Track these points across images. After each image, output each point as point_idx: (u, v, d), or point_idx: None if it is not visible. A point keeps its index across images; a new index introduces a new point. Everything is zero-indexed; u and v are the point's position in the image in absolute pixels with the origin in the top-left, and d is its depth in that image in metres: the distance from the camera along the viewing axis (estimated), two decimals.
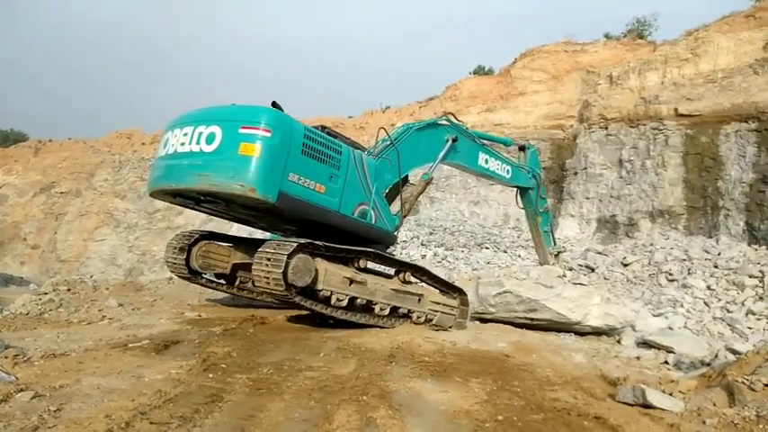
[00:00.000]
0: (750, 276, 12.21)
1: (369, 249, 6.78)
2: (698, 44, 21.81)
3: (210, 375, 4.37)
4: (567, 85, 26.76)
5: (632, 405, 4.33)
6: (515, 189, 11.52)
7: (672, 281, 13.49)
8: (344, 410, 3.69)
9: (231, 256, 7.66)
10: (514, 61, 29.52)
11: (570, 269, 14.46)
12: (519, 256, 19.30)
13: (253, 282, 7.29)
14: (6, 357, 4.28)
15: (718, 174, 19.41)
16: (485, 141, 10.10)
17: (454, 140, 8.70)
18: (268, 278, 5.68)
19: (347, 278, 6.41)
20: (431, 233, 22.75)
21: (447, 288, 7.83)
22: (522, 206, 11.78)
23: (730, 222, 18.57)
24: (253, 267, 5.89)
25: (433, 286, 7.66)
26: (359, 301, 6.54)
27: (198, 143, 5.83)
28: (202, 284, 7.79)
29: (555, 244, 12.76)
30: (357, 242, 6.75)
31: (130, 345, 5.23)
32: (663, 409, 4.10)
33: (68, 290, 9.09)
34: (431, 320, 7.41)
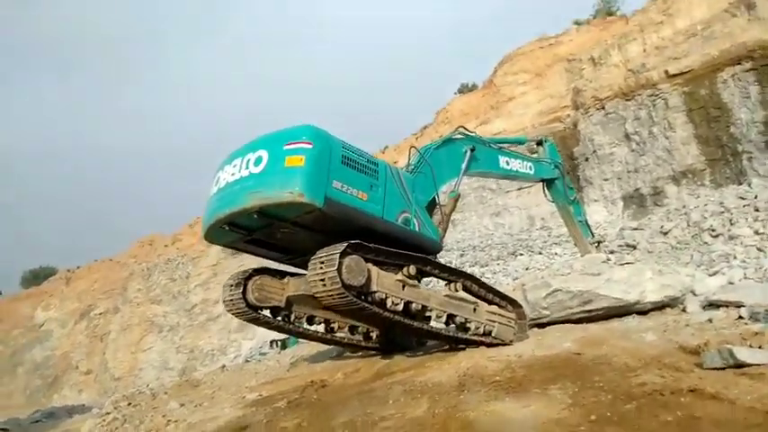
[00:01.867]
0: None
1: (419, 255, 6.77)
2: (668, 4, 21.92)
3: None
4: (552, 79, 26.91)
5: (723, 369, 4.10)
6: (541, 185, 11.49)
7: (717, 236, 13.07)
8: None
9: (285, 288, 7.57)
10: (495, 70, 29.87)
11: (611, 252, 14.11)
12: (555, 254, 18.97)
13: (306, 318, 7.60)
14: None
15: (728, 121, 19.10)
16: (501, 145, 10.14)
17: (472, 150, 8.74)
18: (324, 279, 5.74)
19: (399, 281, 6.41)
20: (461, 255, 22.55)
21: (501, 299, 7.62)
22: (551, 199, 11.65)
23: (756, 164, 18.14)
24: (307, 275, 5.97)
25: (487, 298, 7.47)
26: (414, 306, 6.44)
27: (247, 168, 6.11)
28: (259, 322, 7.60)
29: (593, 235, 12.49)
30: (403, 249, 6.74)
31: None
32: (758, 365, 3.87)
33: (129, 404, 9.05)
34: (490, 332, 7.18)
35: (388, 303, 6.22)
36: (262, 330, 33.41)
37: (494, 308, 7.40)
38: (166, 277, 39.35)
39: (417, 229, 7.08)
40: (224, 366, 10.61)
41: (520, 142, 11.81)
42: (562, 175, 11.50)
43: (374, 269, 6.20)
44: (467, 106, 30.44)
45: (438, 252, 7.62)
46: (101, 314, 41.81)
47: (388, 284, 6.29)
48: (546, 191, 11.47)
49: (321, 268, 5.82)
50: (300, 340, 17.62)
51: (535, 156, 11.26)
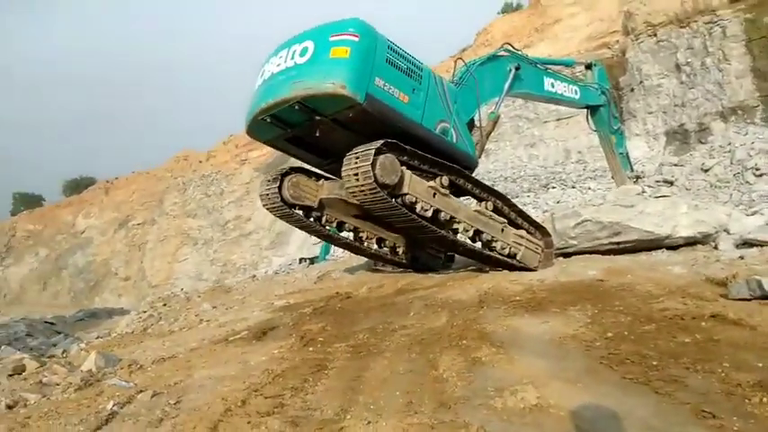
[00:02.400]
0: None
1: (454, 166, 6.80)
2: None
3: (311, 349, 4.46)
4: (603, 1, 25.19)
5: (749, 299, 4.04)
6: (582, 114, 11.26)
7: (760, 176, 12.54)
8: (447, 356, 3.66)
9: (319, 190, 7.77)
10: None
11: (648, 187, 13.74)
12: (589, 188, 18.56)
13: (337, 224, 7.77)
14: (122, 368, 4.55)
15: None
16: (547, 66, 9.79)
17: (517, 69, 8.50)
18: (357, 174, 5.85)
19: (431, 188, 6.49)
20: (492, 186, 22.30)
21: (530, 224, 7.65)
22: (594, 128, 11.37)
23: None
24: (342, 170, 6.06)
25: (516, 222, 7.50)
26: (443, 215, 6.53)
27: (292, 59, 6.13)
28: (291, 219, 7.78)
29: (632, 169, 12.13)
30: (442, 160, 6.80)
31: (231, 338, 5.43)
32: None
33: (164, 305, 9.60)
34: (515, 255, 7.25)
35: (418, 208, 6.30)
36: (293, 248, 34.17)
37: (522, 232, 7.45)
38: (201, 192, 40.32)
39: (455, 140, 7.05)
40: (254, 276, 11.02)
41: (567, 64, 11.50)
42: (608, 102, 11.14)
43: (407, 172, 6.26)
44: (510, 28, 28.99)
45: (473, 168, 7.57)
46: (139, 225, 43.47)
47: (419, 189, 6.36)
48: (589, 119, 11.20)
49: (356, 163, 5.90)
50: (328, 257, 18.14)
51: (582, 80, 10.88)
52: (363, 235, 8.08)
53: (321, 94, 5.81)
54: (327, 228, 7.97)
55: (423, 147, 6.55)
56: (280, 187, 7.46)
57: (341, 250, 18.99)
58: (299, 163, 7.84)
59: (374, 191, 5.86)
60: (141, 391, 3.73)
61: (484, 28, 30.76)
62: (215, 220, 38.79)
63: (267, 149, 40.06)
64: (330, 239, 8.36)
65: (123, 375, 4.36)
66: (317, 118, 6.20)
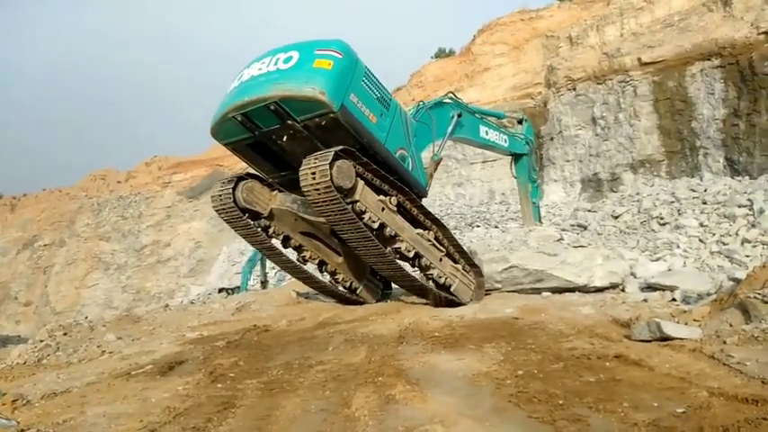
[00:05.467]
0: (739, 206, 12.27)
1: (405, 188, 7.12)
2: None
3: (219, 385, 4.23)
4: (529, 54, 26.82)
5: (650, 341, 4.27)
6: (507, 160, 12.40)
7: (664, 224, 13.51)
8: (362, 393, 3.58)
9: (272, 200, 7.81)
10: (473, 38, 29.55)
11: (563, 230, 14.45)
12: (510, 228, 19.28)
13: (283, 237, 7.82)
14: (4, 404, 4.11)
15: (691, 115, 19.54)
16: (483, 116, 10.71)
17: (459, 116, 9.19)
18: (315, 173, 6.04)
19: (381, 202, 6.76)
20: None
21: (466, 261, 7.91)
22: (515, 175, 12.44)
23: (710, 160, 18.73)
24: (300, 169, 6.22)
25: (454, 256, 7.75)
26: (387, 230, 6.75)
27: (275, 65, 6.46)
28: (239, 223, 7.65)
29: (541, 221, 13.27)
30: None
31: (133, 372, 5.07)
32: (681, 338, 4.04)
33: (65, 333, 8.81)
34: (450, 287, 7.44)
35: (366, 217, 6.50)
36: (213, 277, 32.84)
37: (458, 266, 7.74)
38: (117, 214, 38.23)
39: (410, 168, 7.48)
40: (167, 306, 10.44)
41: (499, 116, 12.57)
42: (531, 153, 12.38)
43: (360, 182, 6.52)
44: (442, 72, 30.11)
45: (423, 197, 7.95)
46: (45, 246, 40.40)
47: (370, 200, 6.61)
48: (513, 165, 12.27)
49: (314, 162, 6.11)
50: (250, 287, 17.59)
51: (511, 130, 11.98)
52: (306, 254, 8.05)
53: (300, 96, 6.09)
54: (274, 238, 7.97)
55: (381, 165, 6.86)
56: (234, 190, 7.46)
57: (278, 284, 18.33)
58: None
59: (328, 190, 6.04)
60: (23, 431, 3.38)
61: (418, 70, 31.79)
62: (130, 244, 36.78)
63: (192, 173, 38.84)
64: (272, 253, 8.22)
65: (5, 412, 3.93)
66: (289, 122, 6.40)
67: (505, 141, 11.16)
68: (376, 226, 6.60)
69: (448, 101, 9.31)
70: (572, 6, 27.09)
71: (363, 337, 5.62)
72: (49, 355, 7.26)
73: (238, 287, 20.54)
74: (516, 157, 12.15)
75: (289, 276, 9.53)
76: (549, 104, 24.60)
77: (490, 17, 31.83)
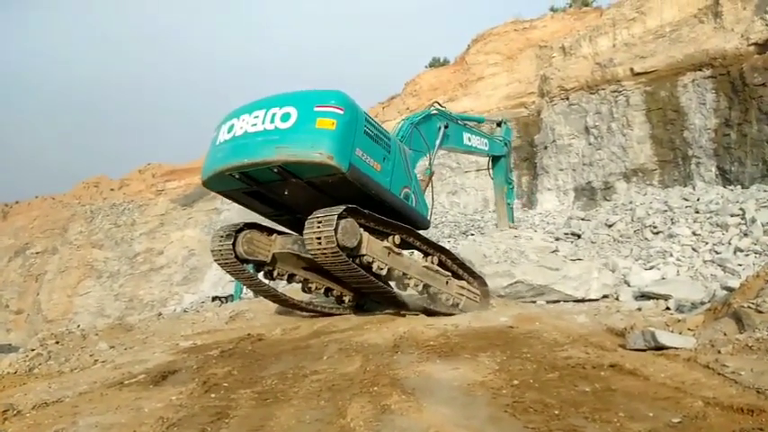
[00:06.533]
0: (732, 215, 12.38)
1: (404, 225, 7.18)
2: (642, 2, 22.21)
3: (213, 395, 4.19)
4: (523, 63, 27.02)
5: (644, 350, 4.29)
6: (489, 160, 12.78)
7: (657, 233, 13.61)
8: (357, 403, 3.56)
9: (272, 245, 7.77)
10: (468, 48, 29.74)
11: (557, 239, 14.51)
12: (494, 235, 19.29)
13: (288, 276, 7.80)
14: None
15: (683, 125, 19.72)
16: (465, 122, 11.01)
17: (446, 127, 9.39)
18: (320, 238, 6.00)
19: (386, 248, 6.80)
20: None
21: (470, 275, 8.08)
22: (492, 176, 13.03)
23: (702, 169, 18.88)
24: (305, 233, 6.18)
25: (458, 273, 7.89)
26: (396, 272, 6.84)
27: (272, 122, 6.22)
28: (242, 275, 7.73)
29: (513, 221, 13.68)
30: (399, 221, 7.17)
31: (126, 381, 5.01)
32: (676, 348, 4.05)
33: (57, 342, 8.72)
34: (458, 305, 7.60)
35: (374, 267, 6.55)
36: (207, 285, 32.71)
37: (463, 282, 7.90)
38: (110, 222, 38.06)
39: (414, 204, 7.54)
40: (160, 314, 10.38)
41: (479, 121, 12.97)
42: (508, 154, 12.95)
43: (365, 234, 6.50)
44: (436, 81, 30.26)
45: (426, 228, 8.03)
46: (38, 253, 40.14)
47: (376, 249, 6.62)
48: (490, 166, 12.82)
49: (318, 227, 6.03)
50: (243, 296, 17.50)
51: (488, 134, 12.40)
52: (312, 285, 8.08)
53: (308, 162, 5.99)
54: (277, 280, 8.06)
55: (387, 210, 6.92)
56: (234, 243, 7.40)
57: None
58: (251, 216, 7.86)
59: (336, 254, 6.03)
60: None
61: (413, 79, 31.94)
62: (123, 252, 36.60)
63: (185, 180, 38.74)
64: (276, 300, 8.30)
65: None
66: (292, 180, 6.33)
67: (486, 145, 11.61)
68: (384, 272, 6.70)
69: (434, 112, 9.42)
70: (565, 17, 27.35)
71: (358, 346, 5.59)
72: (40, 365, 7.19)
73: (232, 295, 20.45)
74: (494, 159, 12.68)
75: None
76: (542, 114, 24.76)
77: (484, 27, 32.04)
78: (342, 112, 6.18)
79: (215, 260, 7.70)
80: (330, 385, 4.14)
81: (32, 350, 8.28)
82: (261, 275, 8.00)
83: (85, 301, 36.08)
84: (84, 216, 39.56)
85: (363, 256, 6.44)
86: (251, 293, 19.45)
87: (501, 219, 13.58)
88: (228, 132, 6.58)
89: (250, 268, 7.93)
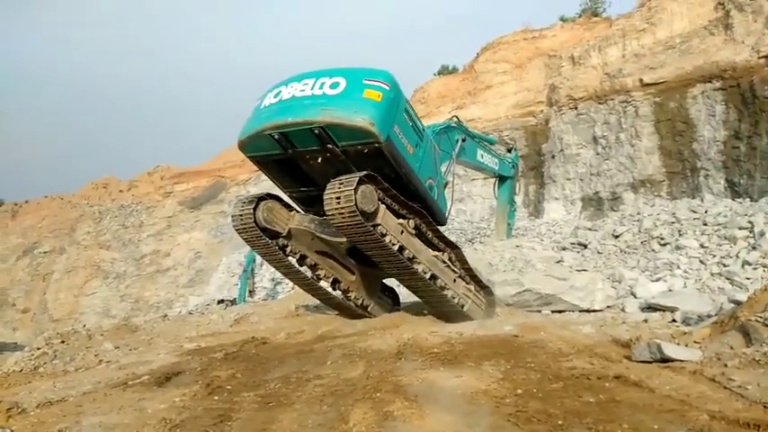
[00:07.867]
0: (740, 228, 12.26)
1: (422, 211, 7.29)
2: (652, 13, 22.16)
3: (216, 398, 4.21)
4: (532, 72, 26.99)
5: (650, 362, 4.25)
6: (496, 179, 13.27)
7: (664, 245, 13.49)
8: (359, 409, 3.56)
9: (290, 220, 7.90)
10: (477, 56, 29.78)
11: (563, 249, 14.46)
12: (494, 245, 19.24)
13: (299, 256, 7.91)
14: None
15: (692, 136, 19.61)
16: (480, 140, 11.38)
17: (463, 140, 9.76)
18: (340, 197, 6.14)
19: (401, 226, 6.89)
20: None
21: (477, 282, 8.09)
22: (497, 195, 13.52)
23: (711, 181, 18.76)
24: (325, 194, 6.30)
25: (465, 277, 7.89)
26: (406, 252, 6.86)
27: (321, 89, 6.53)
28: (258, 242, 7.74)
29: (508, 238, 14.12)
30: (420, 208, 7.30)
31: (130, 382, 5.04)
32: (681, 360, 4.02)
33: (62, 342, 8.76)
34: (463, 306, 7.56)
35: (386, 240, 6.63)
36: (212, 288, 32.70)
37: (471, 287, 7.89)
38: (118, 223, 38.26)
39: (436, 197, 7.75)
40: (165, 315, 10.42)
41: (491, 142, 13.07)
42: (515, 177, 13.55)
43: (382, 207, 6.66)
44: (444, 88, 30.31)
45: (443, 224, 8.20)
46: (45, 253, 40.37)
47: (391, 224, 6.76)
48: (497, 186, 13.35)
49: (339, 188, 6.22)
50: (248, 299, 17.54)
51: (501, 155, 12.90)
52: (321, 273, 8.12)
53: (350, 125, 6.22)
54: (290, 256, 8.03)
55: (410, 194, 7.11)
56: (255, 210, 7.56)
57: (263, 294, 18.35)
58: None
59: (353, 214, 6.15)
60: None
61: (421, 86, 31.98)
62: (130, 253, 36.76)
63: (193, 183, 38.92)
64: (289, 271, 8.27)
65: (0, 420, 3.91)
66: (329, 146, 6.51)
67: (496, 165, 12.13)
68: (396, 248, 6.75)
69: (454, 125, 9.81)
70: (574, 27, 27.35)
71: (362, 351, 5.59)
72: (45, 363, 7.24)
73: (237, 298, 20.52)
74: (501, 180, 13.21)
75: (280, 288, 9.61)
76: (550, 123, 24.70)
77: (493, 36, 32.11)
78: (388, 89, 6.48)
79: (234, 225, 7.82)
80: (333, 390, 4.14)
81: (38, 349, 8.34)
82: (276, 247, 7.93)
83: (92, 301, 36.21)
84: (93, 217, 39.78)
85: (378, 225, 6.56)
86: (255, 297, 19.52)
87: (499, 233, 14.04)
88: (275, 97, 6.86)
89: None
